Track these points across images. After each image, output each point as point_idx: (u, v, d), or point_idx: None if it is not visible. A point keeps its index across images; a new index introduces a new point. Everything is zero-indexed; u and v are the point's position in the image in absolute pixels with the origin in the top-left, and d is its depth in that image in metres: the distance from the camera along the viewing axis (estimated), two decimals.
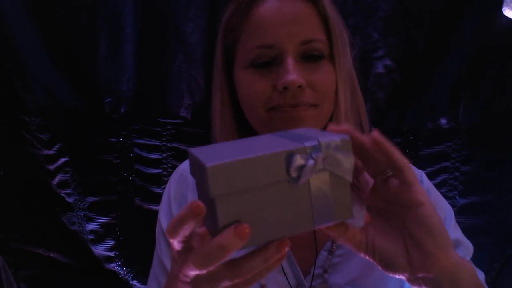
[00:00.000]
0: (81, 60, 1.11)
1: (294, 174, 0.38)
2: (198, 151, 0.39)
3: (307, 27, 0.59)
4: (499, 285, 1.08)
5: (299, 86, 0.56)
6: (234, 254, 0.38)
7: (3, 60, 1.10)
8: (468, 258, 0.65)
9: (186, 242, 0.40)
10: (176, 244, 0.40)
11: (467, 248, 0.66)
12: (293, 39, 0.57)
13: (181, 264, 0.41)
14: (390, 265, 0.44)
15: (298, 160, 0.38)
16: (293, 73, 0.56)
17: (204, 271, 0.39)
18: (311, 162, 0.38)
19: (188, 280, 0.41)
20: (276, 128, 0.57)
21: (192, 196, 0.70)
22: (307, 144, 0.39)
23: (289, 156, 0.38)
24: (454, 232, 0.66)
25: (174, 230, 0.39)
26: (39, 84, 1.12)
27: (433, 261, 0.41)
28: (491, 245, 1.07)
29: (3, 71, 1.10)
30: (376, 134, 0.42)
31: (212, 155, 0.38)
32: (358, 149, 0.42)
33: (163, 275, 0.69)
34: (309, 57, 0.59)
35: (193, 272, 0.40)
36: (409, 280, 0.44)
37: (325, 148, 0.39)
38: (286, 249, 0.39)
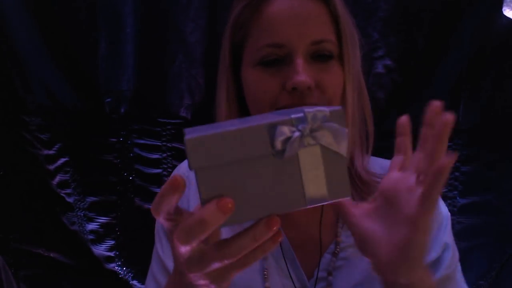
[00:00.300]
0: (81, 60, 1.11)
1: (278, 146, 0.36)
2: (189, 130, 0.38)
3: (318, 27, 0.58)
4: (499, 285, 1.08)
5: (308, 87, 0.56)
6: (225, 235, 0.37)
7: (3, 60, 1.10)
8: (454, 262, 0.65)
9: (174, 220, 0.39)
10: (164, 222, 0.39)
11: (453, 252, 0.65)
12: (304, 39, 0.57)
13: (171, 243, 0.41)
14: (365, 247, 0.45)
15: (282, 132, 0.36)
16: (302, 74, 0.56)
17: (188, 247, 0.38)
18: (296, 134, 0.36)
19: (182, 260, 0.41)
20: None
21: (194, 196, 0.68)
22: (293, 116, 0.37)
23: (272, 128, 0.36)
24: (446, 236, 0.65)
25: (156, 206, 0.38)
26: (39, 84, 1.12)
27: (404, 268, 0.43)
28: (491, 245, 1.07)
29: (3, 71, 1.10)
30: (448, 118, 0.42)
31: (198, 130, 0.38)
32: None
33: (162, 275, 0.68)
34: (318, 57, 0.58)
35: (183, 250, 0.39)
36: (374, 268, 0.46)
37: (311, 119, 0.36)
38: (276, 227, 0.37)
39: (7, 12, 1.07)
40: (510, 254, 1.07)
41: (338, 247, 0.64)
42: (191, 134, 0.35)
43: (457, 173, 1.07)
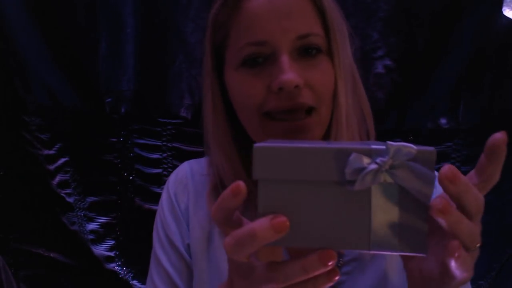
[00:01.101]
0: (81, 60, 1.11)
1: (349, 176, 0.32)
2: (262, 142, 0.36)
3: (302, 20, 0.54)
4: (499, 285, 1.08)
5: (296, 86, 0.52)
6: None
7: (3, 60, 1.10)
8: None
9: (233, 228, 0.36)
10: (223, 228, 0.38)
11: None
12: (288, 34, 0.53)
13: None
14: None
15: (356, 161, 0.32)
16: (289, 72, 0.51)
17: (235, 258, 0.35)
18: (372, 166, 0.32)
19: (232, 269, 0.39)
20: (272, 136, 0.54)
21: (194, 205, 0.66)
22: (373, 146, 0.33)
23: (347, 154, 0.32)
24: None
25: (216, 212, 0.36)
26: (39, 84, 1.12)
27: None
28: (491, 245, 1.07)
29: (3, 71, 1.10)
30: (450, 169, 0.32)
31: (270, 142, 0.36)
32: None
33: (166, 285, 0.65)
34: (305, 53, 0.54)
35: (235, 258, 0.36)
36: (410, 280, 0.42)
37: (393, 154, 0.32)
38: (332, 262, 0.33)
39: (8, 12, 1.07)
40: (510, 254, 1.07)
41: (341, 260, 0.60)
42: (262, 143, 0.34)
43: None
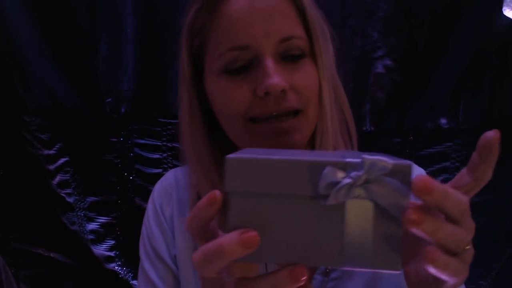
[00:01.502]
0: (81, 60, 1.11)
1: (322, 190, 0.31)
2: (235, 153, 0.35)
3: (284, 22, 0.52)
4: (499, 285, 1.08)
5: (282, 90, 0.50)
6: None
7: (4, 60, 1.10)
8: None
9: (208, 239, 0.35)
10: (198, 240, 0.37)
11: None
12: (270, 37, 0.51)
13: None
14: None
15: (330, 175, 0.31)
16: (274, 76, 0.50)
17: (204, 273, 0.34)
18: (346, 180, 0.31)
19: (203, 284, 0.38)
20: (258, 142, 0.53)
21: (177, 214, 0.65)
22: (348, 159, 0.32)
23: (320, 168, 0.31)
24: None
25: (191, 222, 0.36)
26: (39, 84, 1.12)
27: None
28: (491, 245, 1.06)
29: (3, 71, 1.10)
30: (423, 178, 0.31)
31: (243, 152, 0.35)
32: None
33: None
34: (289, 57, 0.53)
35: (204, 274, 0.35)
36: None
37: (368, 168, 0.31)
38: (303, 279, 0.32)
39: (8, 12, 1.07)
40: (510, 254, 1.07)
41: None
42: (234, 155, 0.33)
43: (457, 173, 1.07)
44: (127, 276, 1.20)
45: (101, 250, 1.19)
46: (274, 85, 0.50)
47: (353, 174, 0.31)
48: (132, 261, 1.20)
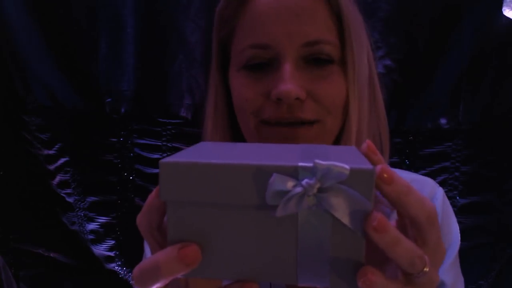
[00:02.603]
0: (81, 60, 1.11)
1: (269, 200, 0.27)
2: (175, 155, 0.31)
3: (313, 25, 0.48)
4: (499, 285, 1.08)
5: (297, 98, 0.47)
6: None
7: (4, 60, 1.10)
8: None
9: (157, 241, 0.33)
10: (147, 238, 0.34)
11: None
12: (294, 40, 0.47)
13: None
14: None
15: (278, 183, 0.27)
16: (289, 83, 0.46)
17: None
18: (297, 189, 0.27)
19: None
20: (268, 142, 0.50)
21: None
22: (300, 164, 0.27)
23: (267, 174, 0.27)
24: (447, 272, 0.55)
25: (140, 218, 0.33)
26: (39, 84, 1.12)
27: None
28: (491, 245, 1.07)
29: (3, 71, 1.10)
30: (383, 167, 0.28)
31: (181, 155, 0.30)
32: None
33: None
34: (314, 61, 0.49)
35: None
36: None
37: (322, 175, 0.26)
38: None
39: (8, 13, 1.07)
40: (510, 254, 1.07)
41: None
42: (170, 158, 0.29)
43: (457, 173, 1.07)
44: (127, 276, 1.20)
45: (101, 250, 1.19)
46: (287, 93, 0.46)
47: (304, 182, 0.27)
48: (132, 261, 1.20)
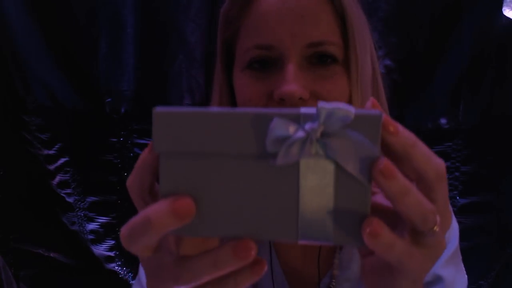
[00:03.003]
0: (81, 60, 1.11)
1: (270, 148, 0.25)
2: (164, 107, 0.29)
3: (317, 26, 0.48)
4: (499, 285, 1.08)
5: (300, 98, 0.47)
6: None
7: (4, 60, 1.10)
8: None
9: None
10: (137, 201, 0.33)
11: (449, 285, 0.55)
12: (298, 40, 0.48)
13: None
14: None
15: (278, 128, 0.25)
16: (292, 83, 0.46)
17: (133, 251, 0.29)
18: (299, 134, 0.25)
19: (142, 264, 0.33)
20: None
21: None
22: (302, 110, 0.26)
23: (267, 121, 0.25)
24: (444, 267, 0.55)
25: (131, 179, 0.32)
26: (39, 84, 1.12)
27: None
28: (491, 245, 1.07)
29: (3, 71, 1.10)
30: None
31: (174, 107, 0.28)
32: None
33: None
34: (317, 61, 0.49)
35: (133, 251, 0.30)
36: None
37: (326, 118, 0.25)
38: (251, 253, 0.27)
39: (8, 13, 1.07)
40: (510, 254, 1.07)
41: (333, 280, 0.56)
42: (163, 108, 0.27)
43: (457, 173, 1.07)
44: (127, 276, 1.20)
45: (101, 250, 1.19)
46: (290, 93, 0.46)
47: (307, 126, 0.25)
48: (132, 261, 1.20)
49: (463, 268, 0.59)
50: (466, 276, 0.58)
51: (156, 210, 0.26)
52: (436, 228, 0.28)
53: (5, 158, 1.15)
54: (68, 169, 1.16)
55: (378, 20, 1.04)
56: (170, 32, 1.09)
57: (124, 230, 0.28)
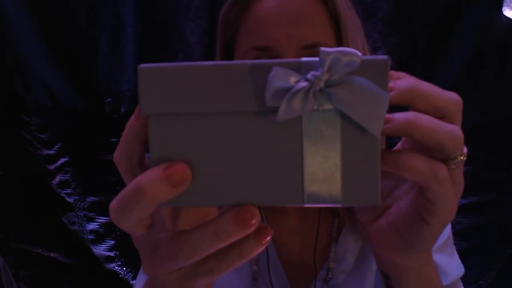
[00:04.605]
0: (81, 60, 1.11)
1: (269, 101, 0.23)
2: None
3: (312, 28, 0.50)
4: (499, 285, 1.08)
5: None
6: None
7: (4, 60, 1.10)
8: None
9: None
10: (125, 174, 0.30)
11: (443, 274, 0.54)
12: (294, 42, 0.49)
13: None
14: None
15: (279, 78, 0.22)
16: None
17: (124, 228, 0.27)
18: (301, 84, 0.22)
19: (136, 242, 0.31)
20: None
21: None
22: (304, 59, 0.23)
23: (266, 71, 0.23)
24: (436, 252, 0.54)
25: (119, 150, 0.29)
26: (39, 84, 1.12)
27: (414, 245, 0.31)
28: (491, 245, 1.07)
29: (3, 71, 1.11)
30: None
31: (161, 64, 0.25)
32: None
33: None
34: None
35: (124, 227, 0.27)
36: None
37: (330, 65, 0.22)
38: (254, 220, 0.24)
39: (8, 13, 1.07)
40: (510, 254, 1.07)
41: (329, 273, 0.57)
42: (149, 64, 0.25)
43: None
44: (127, 276, 1.20)
45: (101, 250, 1.19)
46: None
47: (310, 75, 0.22)
48: (132, 261, 1.20)
49: (458, 258, 0.59)
50: (462, 265, 0.58)
51: (148, 178, 0.24)
52: (462, 157, 0.27)
53: (5, 158, 1.15)
54: (68, 169, 1.16)
55: (378, 20, 1.04)
56: (170, 32, 1.09)
57: (113, 203, 0.26)
